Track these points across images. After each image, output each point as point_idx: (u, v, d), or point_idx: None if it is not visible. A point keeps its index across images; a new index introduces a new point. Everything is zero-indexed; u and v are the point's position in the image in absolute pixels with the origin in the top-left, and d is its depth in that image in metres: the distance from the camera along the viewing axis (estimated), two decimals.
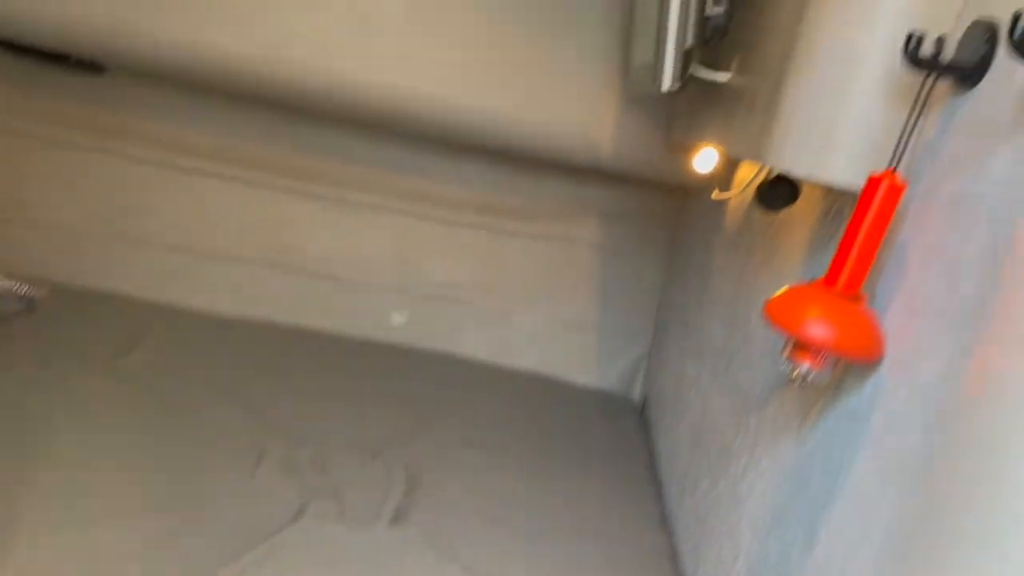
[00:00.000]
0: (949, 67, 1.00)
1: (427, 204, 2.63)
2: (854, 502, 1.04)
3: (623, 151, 2.30)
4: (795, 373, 1.10)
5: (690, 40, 1.39)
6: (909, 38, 1.00)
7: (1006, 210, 0.87)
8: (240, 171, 2.54)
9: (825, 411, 1.22)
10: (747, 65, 1.45)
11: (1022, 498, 0.66)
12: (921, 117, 1.04)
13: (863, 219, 1.04)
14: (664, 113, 2.20)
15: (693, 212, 2.46)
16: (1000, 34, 0.97)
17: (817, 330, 1.04)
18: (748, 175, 1.78)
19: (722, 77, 1.53)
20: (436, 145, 2.51)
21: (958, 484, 0.78)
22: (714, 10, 1.40)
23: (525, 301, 2.70)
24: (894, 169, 1.03)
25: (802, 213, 1.50)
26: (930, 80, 1.01)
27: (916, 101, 1.02)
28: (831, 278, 1.07)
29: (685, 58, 1.42)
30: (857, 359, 1.09)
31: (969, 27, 1.01)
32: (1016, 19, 0.78)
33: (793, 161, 1.18)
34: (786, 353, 1.11)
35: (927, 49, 1.00)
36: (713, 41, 1.58)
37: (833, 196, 1.35)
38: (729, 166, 2.02)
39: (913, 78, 1.03)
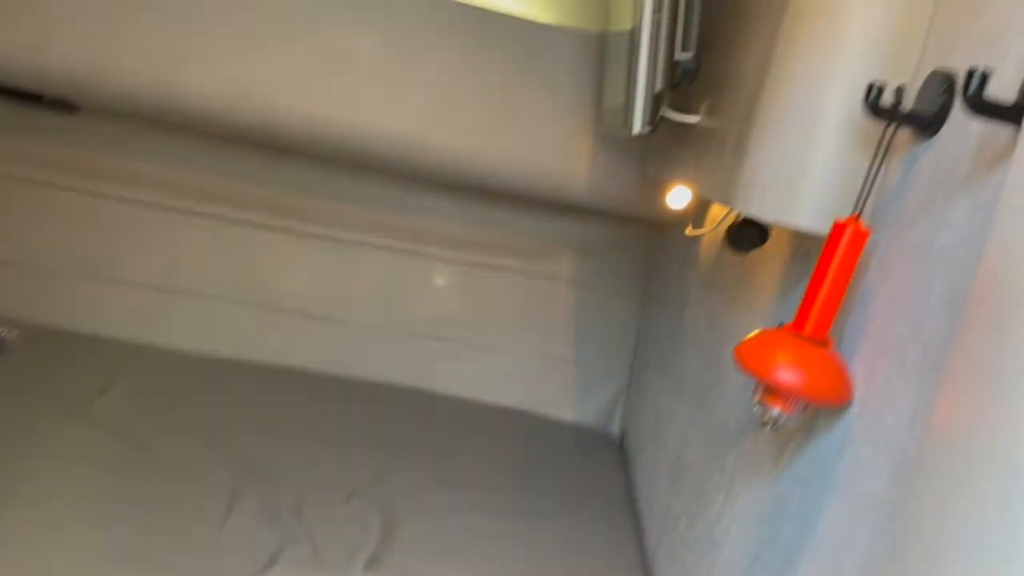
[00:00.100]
0: (909, 116, 1.02)
1: (404, 240, 2.63)
2: (825, 549, 1.04)
3: (598, 187, 2.32)
4: (766, 417, 1.11)
5: (660, 85, 1.41)
6: (870, 88, 1.02)
7: (965, 259, 0.88)
8: (216, 208, 2.53)
9: (798, 452, 1.23)
10: (716, 108, 1.47)
11: (983, 551, 0.66)
12: (884, 165, 1.06)
13: (829, 265, 1.05)
14: (638, 150, 2.22)
15: (668, 246, 2.48)
16: (957, 84, 0.99)
17: (786, 375, 1.05)
18: (721, 212, 1.80)
19: (692, 119, 1.55)
20: (412, 181, 2.52)
21: (923, 535, 0.79)
22: (683, 55, 1.43)
23: (503, 336, 2.70)
24: (858, 216, 1.05)
25: (773, 252, 1.52)
26: (891, 129, 1.03)
27: (878, 149, 1.04)
28: (799, 322, 1.08)
29: (655, 102, 1.44)
30: (826, 403, 1.10)
31: (927, 78, 1.03)
32: (970, 76, 0.79)
33: (760, 206, 1.20)
34: (757, 397, 1.12)
35: (887, 99, 1.02)
36: (683, 85, 1.61)
37: (803, 237, 1.37)
38: (702, 202, 2.04)
39: (875, 126, 1.05)
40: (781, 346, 1.07)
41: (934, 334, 0.92)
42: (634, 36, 1.45)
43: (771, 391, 1.10)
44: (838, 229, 1.05)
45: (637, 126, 1.43)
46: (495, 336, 2.69)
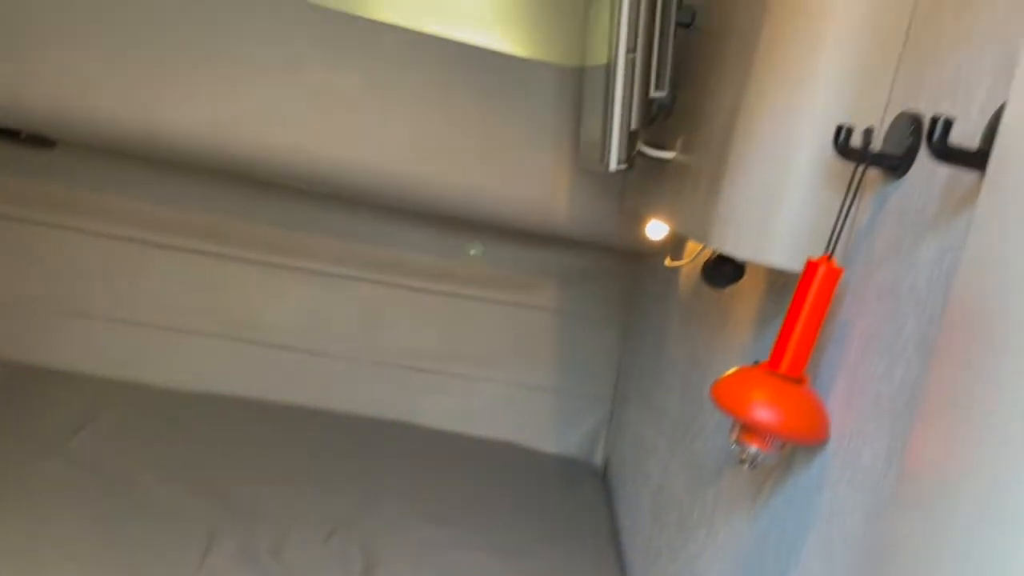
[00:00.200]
0: (877, 157, 1.03)
1: (386, 271, 2.63)
2: None
3: (578, 219, 2.33)
4: (744, 455, 1.11)
5: (635, 123, 1.43)
6: (839, 130, 1.03)
7: (934, 300, 0.89)
8: (193, 242, 2.53)
9: (776, 489, 1.23)
10: (690, 145, 1.49)
11: None
12: (855, 205, 1.07)
13: (803, 303, 1.06)
14: (617, 183, 2.24)
15: (649, 276, 2.49)
16: (924, 125, 1.00)
17: (762, 414, 1.05)
18: (698, 245, 1.81)
19: (667, 155, 1.57)
20: (393, 213, 2.53)
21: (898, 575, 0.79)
22: (657, 93, 1.44)
23: (485, 367, 2.69)
24: (830, 255, 1.06)
25: (750, 286, 1.53)
26: (860, 170, 1.04)
27: (848, 189, 1.05)
28: (775, 360, 1.08)
29: (631, 139, 1.46)
30: (803, 441, 1.10)
31: (895, 119, 1.05)
32: (934, 123, 0.81)
33: (735, 244, 1.21)
34: (734, 435, 1.12)
35: (856, 140, 1.04)
36: (658, 120, 1.63)
37: (778, 272, 1.38)
38: (680, 235, 2.06)
39: (846, 166, 1.06)
40: (757, 384, 1.07)
41: (907, 372, 0.92)
42: (609, 72, 1.47)
43: (748, 429, 1.10)
44: (811, 268, 1.06)
45: (613, 164, 1.44)
46: (477, 367, 2.68)
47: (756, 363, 1.11)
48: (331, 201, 2.50)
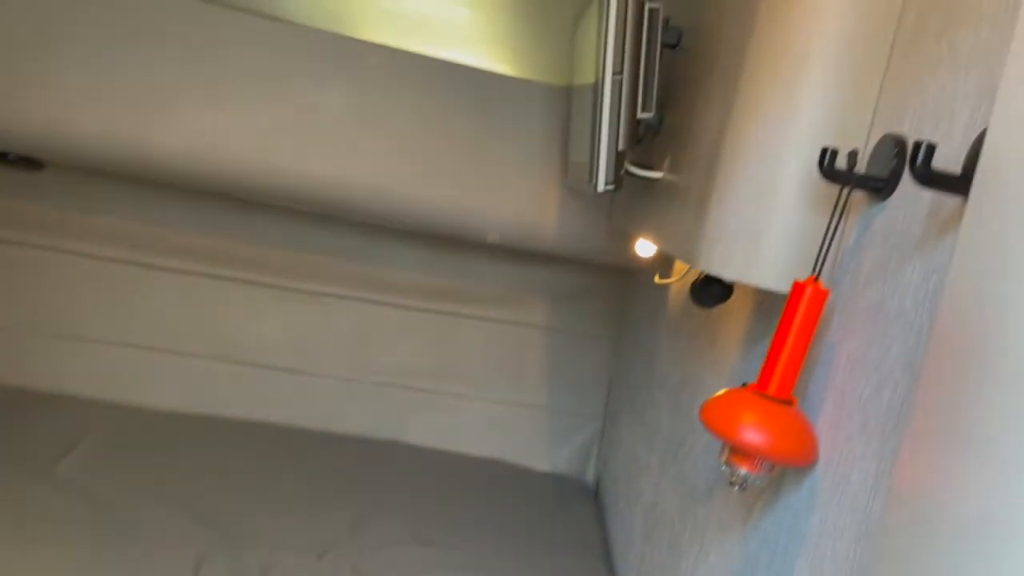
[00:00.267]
0: (862, 180, 1.04)
1: (376, 290, 2.63)
2: None
3: (567, 236, 2.34)
4: (734, 477, 1.11)
5: (622, 145, 1.43)
6: (824, 152, 1.04)
7: (920, 322, 0.90)
8: (182, 262, 2.52)
9: (766, 511, 1.23)
10: (678, 165, 1.49)
11: None
12: (841, 226, 1.08)
13: (791, 324, 1.06)
14: (606, 201, 2.24)
15: (640, 293, 2.50)
16: (908, 147, 1.01)
17: (751, 436, 1.05)
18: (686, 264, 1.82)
19: (655, 175, 1.57)
20: (382, 232, 2.53)
21: None
22: (644, 115, 1.45)
23: (475, 385, 2.69)
24: (817, 276, 1.06)
25: (738, 306, 1.53)
26: (845, 192, 1.05)
27: (834, 211, 1.06)
28: (763, 382, 1.08)
29: (618, 160, 1.46)
30: (792, 463, 1.10)
31: (879, 142, 1.06)
32: (917, 148, 0.82)
33: (722, 265, 1.22)
34: (724, 457, 1.12)
35: (841, 162, 1.04)
36: (646, 140, 1.63)
37: (766, 292, 1.39)
38: None
39: (831, 188, 1.07)
40: (746, 406, 1.08)
41: (894, 394, 0.93)
42: (597, 93, 1.48)
43: (738, 451, 1.10)
44: (798, 289, 1.06)
45: (601, 185, 1.44)
46: (467, 386, 2.68)
47: (744, 384, 1.11)
48: (321, 221, 2.50)
